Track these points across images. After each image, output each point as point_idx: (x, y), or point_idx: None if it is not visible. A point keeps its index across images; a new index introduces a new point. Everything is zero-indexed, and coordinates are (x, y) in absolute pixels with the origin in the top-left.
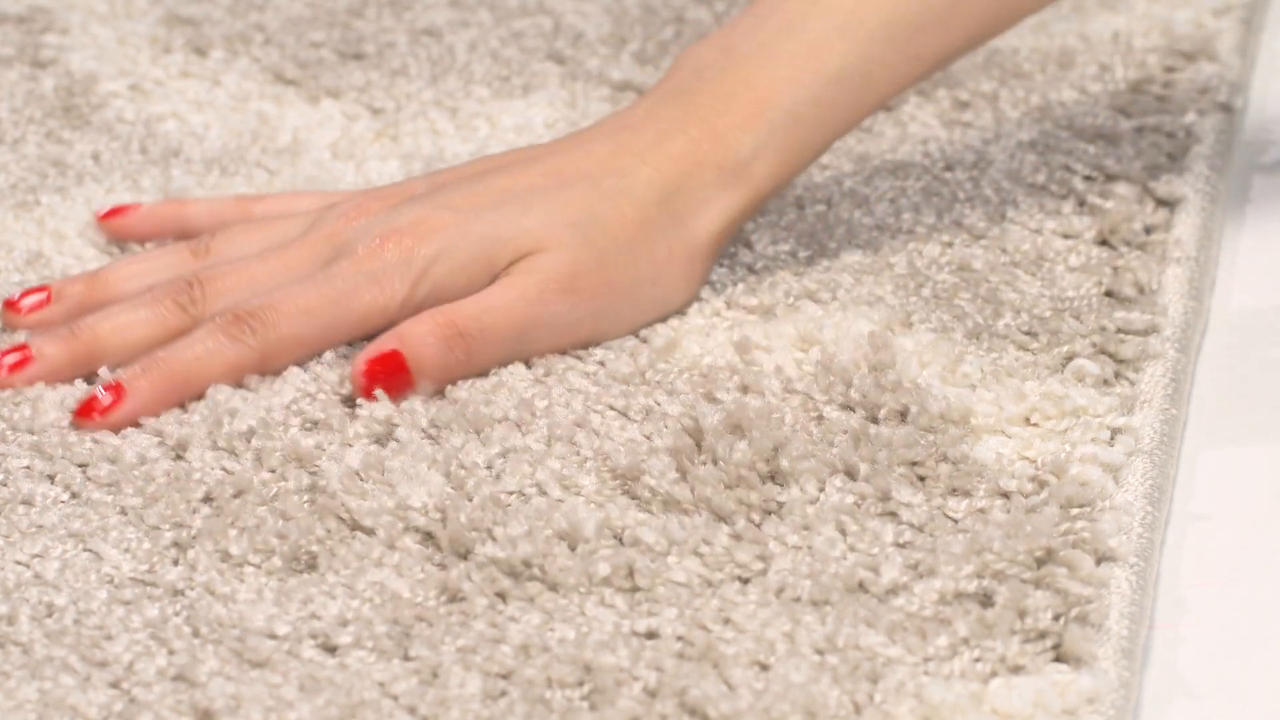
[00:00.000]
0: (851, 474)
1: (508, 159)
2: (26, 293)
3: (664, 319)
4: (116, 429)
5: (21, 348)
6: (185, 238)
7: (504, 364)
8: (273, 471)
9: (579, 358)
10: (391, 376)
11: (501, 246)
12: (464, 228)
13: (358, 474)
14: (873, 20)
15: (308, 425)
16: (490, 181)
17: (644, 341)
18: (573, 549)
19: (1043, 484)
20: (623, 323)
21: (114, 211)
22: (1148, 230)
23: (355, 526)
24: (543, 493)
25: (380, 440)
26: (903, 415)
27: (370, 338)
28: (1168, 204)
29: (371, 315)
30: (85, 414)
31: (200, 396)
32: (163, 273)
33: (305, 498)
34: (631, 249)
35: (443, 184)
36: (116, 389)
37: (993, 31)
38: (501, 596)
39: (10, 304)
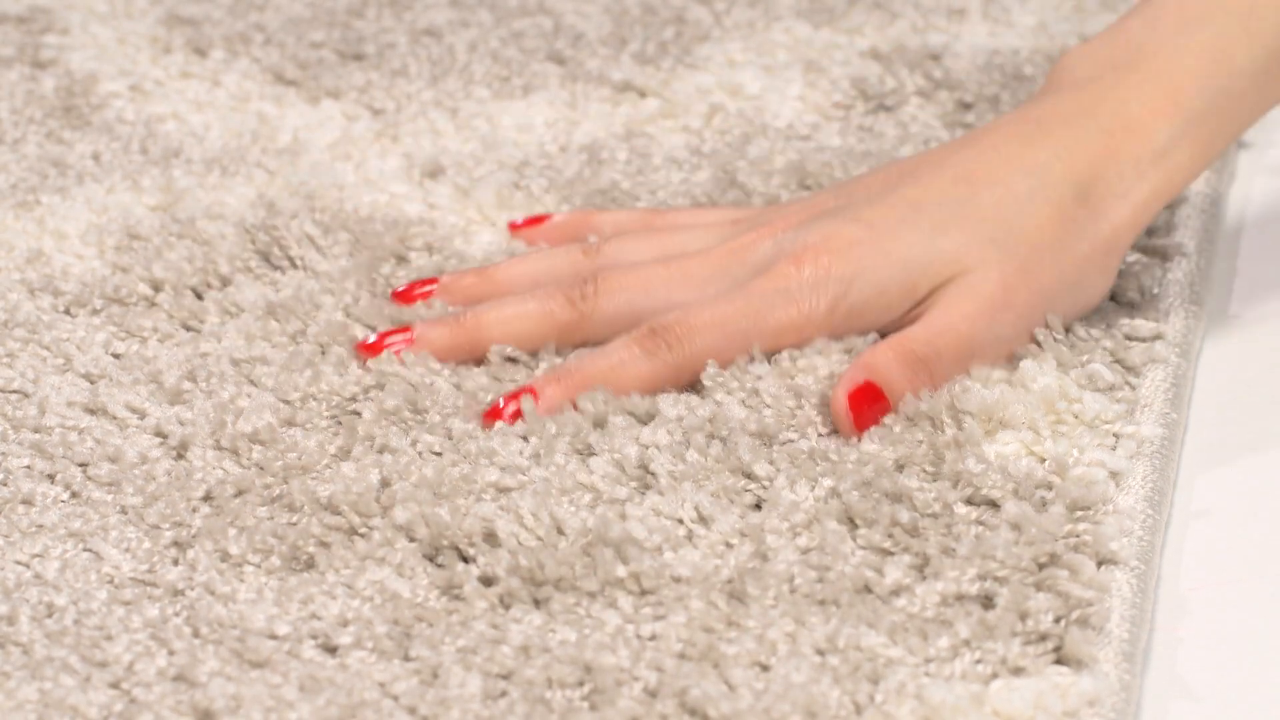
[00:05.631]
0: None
1: (917, 162)
2: (414, 284)
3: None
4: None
5: (405, 329)
6: None
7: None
8: (275, 477)
9: None
10: (872, 405)
11: (920, 272)
12: (880, 245)
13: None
14: (1272, 16)
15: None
16: (902, 192)
17: None
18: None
19: (1049, 487)
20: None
21: (527, 222)
22: (1149, 233)
23: (353, 533)
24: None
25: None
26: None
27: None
28: (1168, 205)
29: (787, 332)
30: (492, 418)
31: None
32: (554, 272)
33: (304, 500)
34: (1055, 252)
35: (852, 195)
36: (531, 391)
37: None
38: (501, 597)
39: (398, 294)
